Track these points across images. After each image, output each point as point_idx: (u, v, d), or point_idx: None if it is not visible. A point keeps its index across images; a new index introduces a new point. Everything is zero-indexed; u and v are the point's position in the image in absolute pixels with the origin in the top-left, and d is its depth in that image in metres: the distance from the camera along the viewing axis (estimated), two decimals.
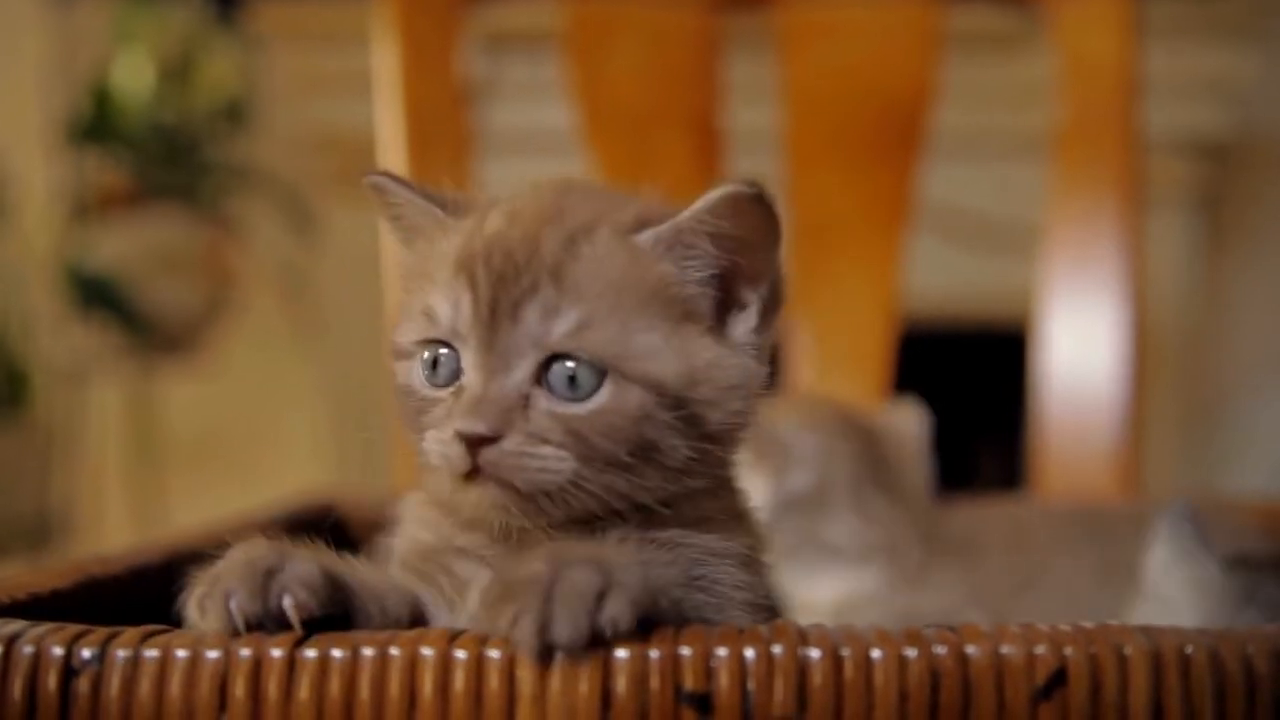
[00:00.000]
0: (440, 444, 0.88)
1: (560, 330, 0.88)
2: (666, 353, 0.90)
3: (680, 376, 0.90)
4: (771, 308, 0.95)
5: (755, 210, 0.90)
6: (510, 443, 0.87)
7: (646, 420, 0.89)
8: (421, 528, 0.97)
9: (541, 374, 0.88)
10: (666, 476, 0.91)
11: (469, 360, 0.89)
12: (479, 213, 0.96)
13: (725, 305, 0.94)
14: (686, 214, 0.91)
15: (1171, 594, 1.22)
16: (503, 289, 0.89)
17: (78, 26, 3.86)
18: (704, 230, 0.91)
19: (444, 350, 0.91)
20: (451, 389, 0.90)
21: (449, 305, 0.90)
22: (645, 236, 0.92)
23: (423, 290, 0.93)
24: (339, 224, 3.65)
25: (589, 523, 0.90)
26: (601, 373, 0.88)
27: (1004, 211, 3.36)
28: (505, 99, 3.15)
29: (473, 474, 0.87)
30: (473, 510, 0.90)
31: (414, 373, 0.93)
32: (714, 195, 0.90)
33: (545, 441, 0.87)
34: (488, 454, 0.86)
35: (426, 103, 1.96)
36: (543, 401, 0.88)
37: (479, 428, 0.86)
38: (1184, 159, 3.54)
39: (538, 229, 0.92)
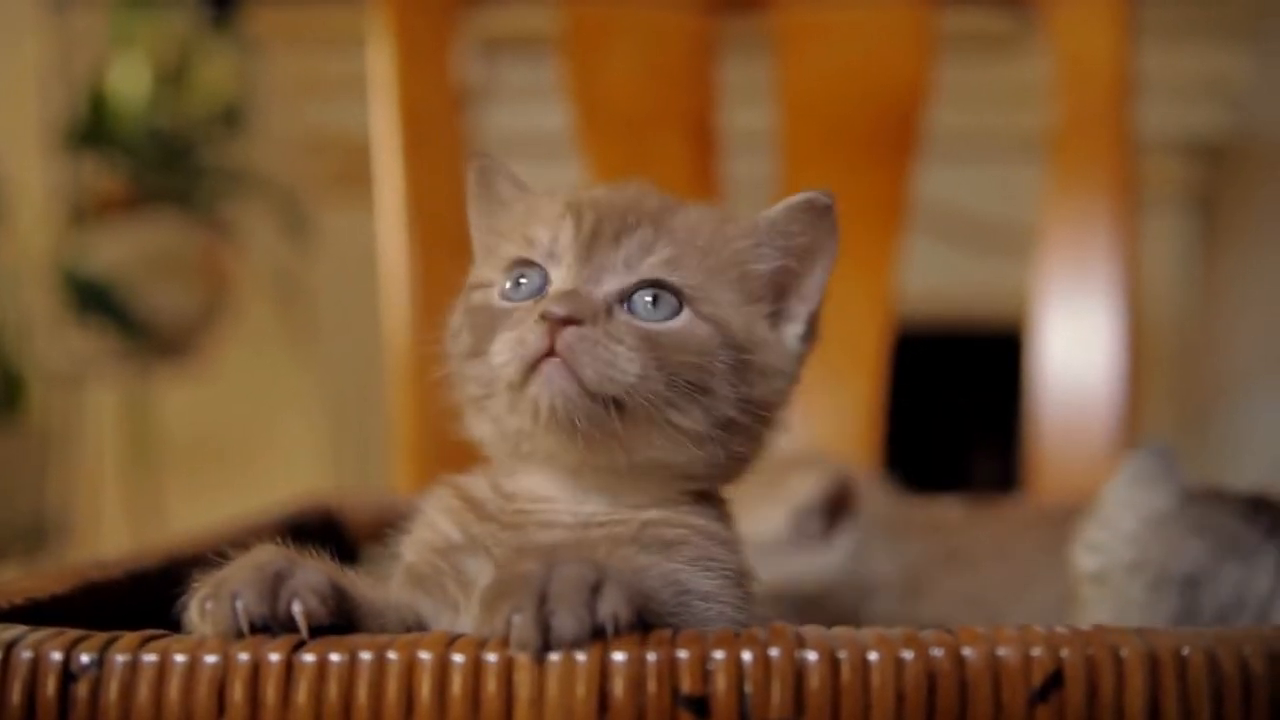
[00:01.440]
0: (515, 338, 0.93)
1: (653, 261, 0.96)
2: (736, 309, 0.98)
3: (744, 331, 0.98)
4: (810, 335, 1.03)
5: (824, 219, 1.00)
6: (590, 330, 0.91)
7: (709, 355, 0.95)
8: (445, 517, 0.99)
9: (626, 299, 0.95)
10: (707, 427, 0.95)
11: (559, 274, 0.97)
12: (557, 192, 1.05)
13: (777, 311, 1.02)
14: (768, 211, 1.01)
15: (1118, 520, 1.22)
16: (606, 222, 0.97)
17: (74, 30, 3.86)
18: (779, 228, 1.00)
19: (533, 269, 0.97)
20: (534, 300, 0.95)
21: (548, 233, 0.98)
22: (730, 221, 1.01)
23: (518, 232, 1.01)
24: (335, 227, 3.65)
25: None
26: (679, 305, 0.95)
27: (999, 212, 3.36)
28: (501, 102, 3.15)
29: (542, 361, 0.91)
30: (531, 409, 0.92)
31: (491, 293, 0.98)
32: (795, 199, 1.00)
33: (619, 342, 0.92)
34: (566, 334, 0.91)
35: (422, 106, 1.96)
36: (622, 315, 0.94)
37: (565, 308, 0.91)
38: (1179, 159, 3.55)
39: (639, 194, 1.01)
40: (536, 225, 0.99)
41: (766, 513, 1.48)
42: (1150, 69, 2.06)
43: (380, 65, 1.96)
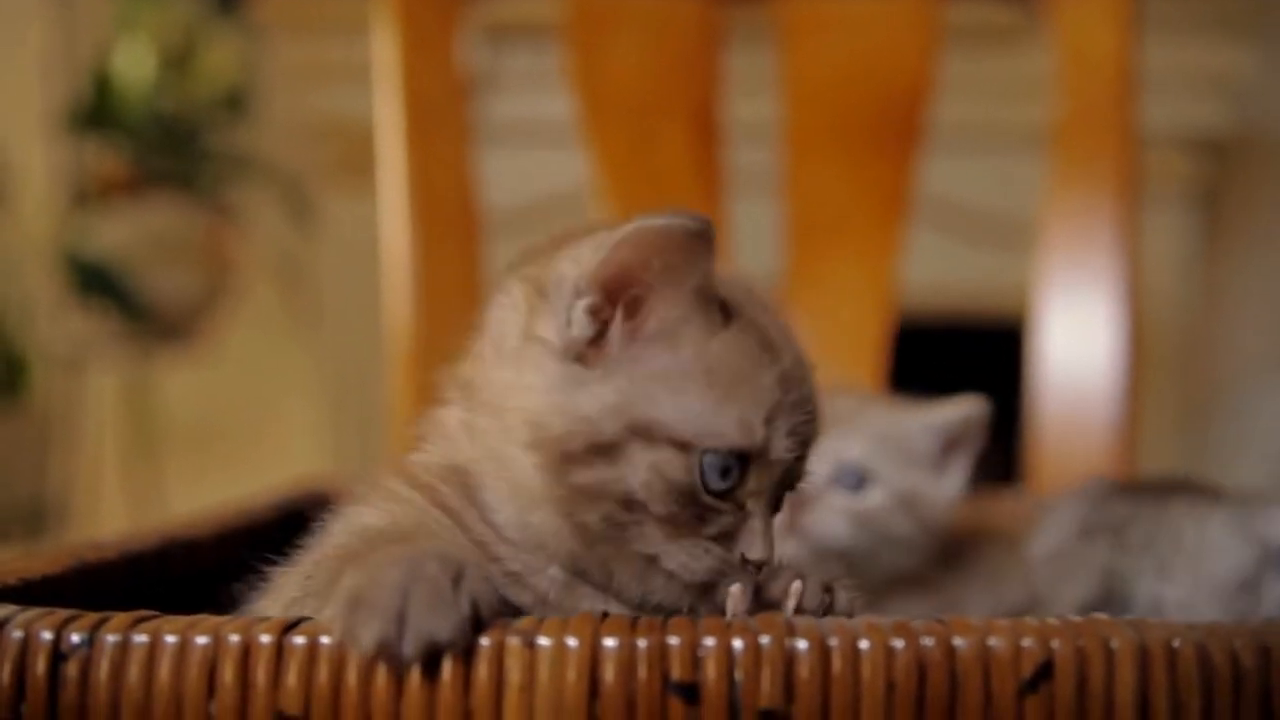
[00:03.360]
0: (723, 562, 0.88)
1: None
2: None
3: None
4: None
5: None
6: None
7: None
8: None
9: None
10: None
11: (760, 489, 0.90)
12: (749, 323, 0.93)
13: None
14: None
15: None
16: (812, 435, 0.94)
17: (79, 13, 3.86)
18: None
19: (737, 463, 0.89)
20: (726, 502, 0.89)
21: (761, 419, 0.89)
22: None
23: (736, 401, 0.89)
24: (338, 213, 3.65)
25: None
26: None
27: (1001, 205, 3.36)
28: (505, 90, 3.15)
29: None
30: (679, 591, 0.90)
31: (694, 473, 0.87)
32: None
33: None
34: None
35: (426, 93, 1.96)
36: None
37: (780, 589, 0.88)
38: (1183, 154, 3.54)
39: (811, 373, 0.95)
40: (750, 408, 0.89)
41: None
42: (1154, 63, 2.06)
43: (385, 52, 1.96)
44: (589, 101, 2.00)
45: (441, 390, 0.98)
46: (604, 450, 0.87)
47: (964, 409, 1.46)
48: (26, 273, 3.67)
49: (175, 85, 3.74)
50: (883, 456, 1.41)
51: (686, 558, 0.87)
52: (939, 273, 3.17)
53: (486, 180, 1.98)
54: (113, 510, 3.78)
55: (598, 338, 0.89)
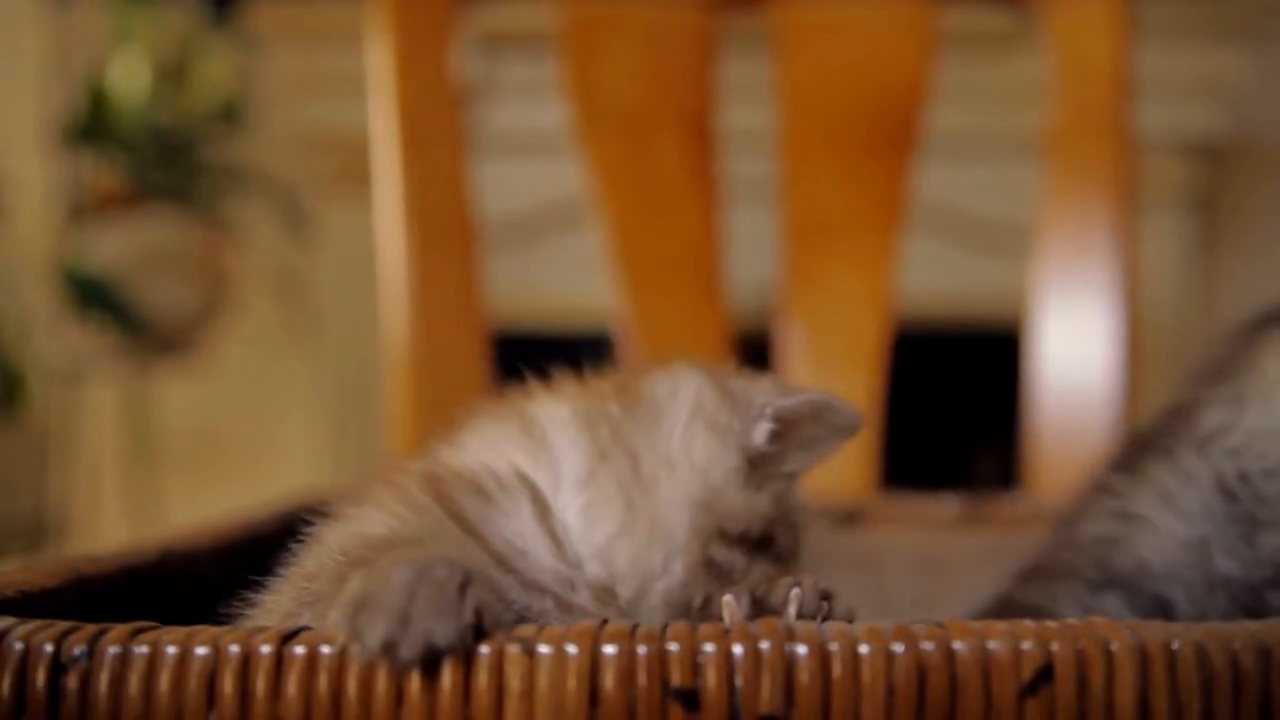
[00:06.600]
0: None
1: None
2: None
3: None
4: None
5: None
6: None
7: None
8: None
9: None
10: None
11: None
12: None
13: None
14: None
15: None
16: None
17: (74, 27, 3.87)
18: None
19: None
20: None
21: None
22: None
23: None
24: (335, 225, 3.65)
25: None
26: None
27: (998, 212, 3.37)
28: (500, 99, 3.15)
29: None
30: None
31: None
32: None
33: None
34: None
35: (421, 103, 1.96)
36: None
37: None
38: (1180, 160, 3.55)
39: None
40: None
41: None
42: (1152, 69, 2.06)
43: (379, 62, 1.96)
44: (584, 111, 2.00)
45: (535, 397, 1.01)
46: (748, 544, 0.97)
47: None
48: (24, 287, 3.67)
49: (171, 97, 3.75)
50: None
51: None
52: (937, 279, 3.17)
53: (482, 190, 1.99)
54: (112, 524, 3.78)
55: (765, 454, 0.99)
